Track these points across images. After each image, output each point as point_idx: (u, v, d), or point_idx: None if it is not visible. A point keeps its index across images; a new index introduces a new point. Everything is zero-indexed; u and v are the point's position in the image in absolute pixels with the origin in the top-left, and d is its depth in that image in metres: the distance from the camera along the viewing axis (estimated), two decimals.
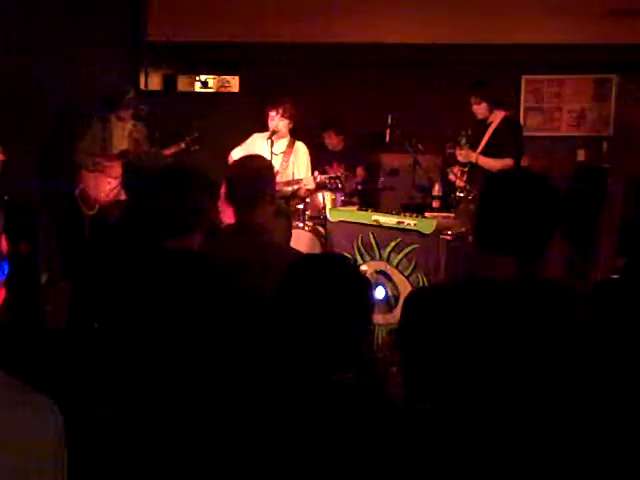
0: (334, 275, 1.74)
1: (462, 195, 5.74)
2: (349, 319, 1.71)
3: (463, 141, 5.74)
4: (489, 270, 1.98)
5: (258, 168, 3.15)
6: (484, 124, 5.78)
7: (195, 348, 2.21)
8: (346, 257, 2.00)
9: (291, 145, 5.63)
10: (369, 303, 1.80)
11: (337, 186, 5.70)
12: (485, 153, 5.69)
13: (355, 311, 1.73)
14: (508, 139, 5.67)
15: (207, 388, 2.12)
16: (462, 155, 5.75)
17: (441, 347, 1.99)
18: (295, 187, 5.59)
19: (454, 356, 1.98)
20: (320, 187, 5.74)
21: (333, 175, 5.61)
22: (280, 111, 5.47)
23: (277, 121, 5.49)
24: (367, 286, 1.81)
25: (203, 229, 2.47)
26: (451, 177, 5.89)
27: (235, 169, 3.16)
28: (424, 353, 2.04)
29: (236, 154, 5.69)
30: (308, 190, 5.65)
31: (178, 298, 2.25)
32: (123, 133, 6.35)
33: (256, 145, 5.65)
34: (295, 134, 5.71)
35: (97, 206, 6.16)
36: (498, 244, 1.96)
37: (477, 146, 5.73)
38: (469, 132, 5.77)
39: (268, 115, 5.54)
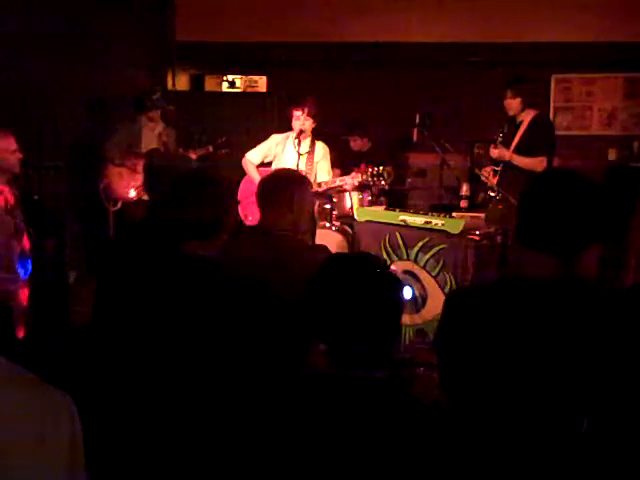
0: (366, 274, 1.72)
1: (491, 195, 5.68)
2: (381, 318, 1.69)
3: (500, 140, 5.67)
4: (532, 269, 1.97)
5: (287, 176, 3.22)
6: (515, 123, 5.72)
7: (200, 351, 2.20)
8: (377, 257, 1.98)
9: (313, 145, 5.64)
10: (400, 302, 1.78)
11: (382, 183, 5.66)
12: (517, 152, 5.62)
13: (387, 310, 1.71)
14: (540, 137, 5.61)
15: (219, 389, 2.12)
16: (495, 153, 5.67)
17: (485, 347, 1.97)
18: (338, 184, 5.60)
19: (498, 356, 1.96)
20: (363, 186, 5.73)
21: (375, 172, 5.56)
22: (306, 110, 5.47)
23: (303, 120, 5.49)
24: (399, 286, 1.79)
25: (224, 234, 2.46)
26: (483, 179, 5.82)
27: (267, 175, 3.24)
28: (466, 353, 2.02)
29: (252, 155, 5.70)
30: (345, 190, 5.66)
31: (185, 304, 2.24)
32: (153, 134, 6.37)
33: (277, 146, 5.66)
34: (315, 134, 5.70)
35: (120, 203, 6.18)
36: (542, 243, 1.95)
37: (509, 145, 5.67)
38: (505, 130, 5.71)
39: (293, 115, 5.52)
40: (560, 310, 1.93)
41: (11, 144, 4.46)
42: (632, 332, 1.90)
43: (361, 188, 6.67)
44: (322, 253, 2.95)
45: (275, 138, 5.72)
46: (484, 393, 1.99)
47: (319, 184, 5.57)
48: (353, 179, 5.56)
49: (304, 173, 5.50)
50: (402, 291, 1.82)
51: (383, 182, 5.60)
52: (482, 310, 2.02)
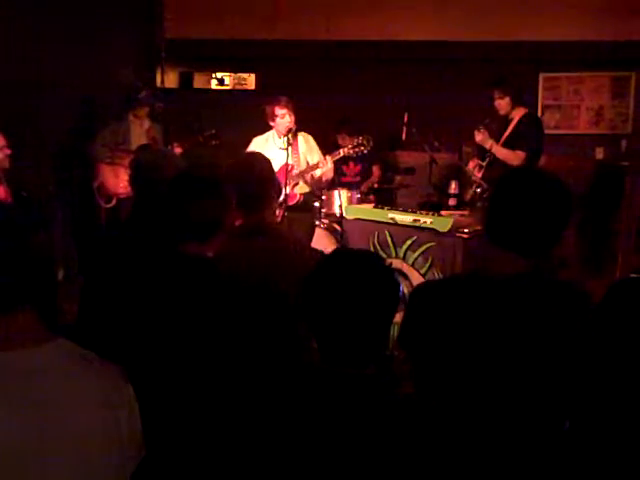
0: (363, 270, 1.72)
1: (478, 192, 5.70)
2: (376, 314, 1.70)
3: (486, 122, 5.69)
4: (498, 266, 1.99)
5: (260, 168, 3.15)
6: (505, 120, 5.76)
7: (198, 352, 2.21)
8: (375, 254, 1.99)
9: (295, 136, 5.58)
10: (397, 298, 1.78)
11: (363, 153, 5.64)
12: (505, 147, 5.66)
13: (382, 306, 1.72)
14: (528, 134, 5.64)
15: (210, 387, 2.12)
16: (479, 137, 5.69)
17: (446, 342, 1.99)
18: (315, 173, 5.56)
19: (459, 352, 1.97)
20: (345, 159, 5.68)
21: (355, 143, 5.54)
22: (290, 106, 5.45)
23: (288, 118, 5.45)
24: (396, 282, 1.80)
25: (223, 234, 2.46)
26: (468, 172, 5.85)
27: (238, 172, 3.12)
28: (429, 349, 2.03)
29: None
30: (326, 174, 5.61)
31: (185, 304, 2.25)
32: (141, 130, 6.37)
33: (261, 148, 5.64)
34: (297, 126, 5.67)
35: (115, 199, 6.18)
36: (507, 241, 1.97)
37: (498, 140, 5.71)
38: (487, 121, 5.73)
39: (276, 114, 5.46)
40: (521, 306, 1.95)
41: (1, 141, 4.48)
42: (604, 330, 1.91)
43: (350, 186, 6.69)
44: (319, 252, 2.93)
45: (256, 141, 5.68)
46: (449, 386, 2.01)
47: (300, 173, 5.54)
48: (332, 158, 5.52)
49: (293, 166, 5.50)
50: (399, 287, 1.81)
51: (364, 149, 5.58)
52: (444, 305, 2.03)
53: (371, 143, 5.57)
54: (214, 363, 2.20)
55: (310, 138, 5.72)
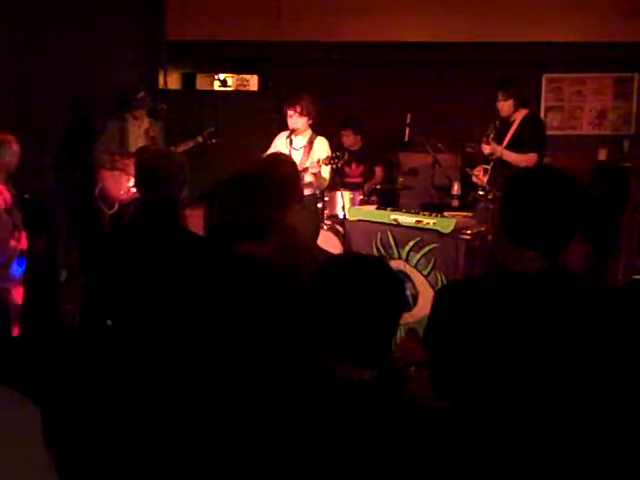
0: (372, 275, 1.72)
1: (481, 194, 5.70)
2: (382, 319, 1.69)
3: (492, 135, 5.68)
4: (519, 264, 2.00)
5: (285, 169, 3.15)
6: (507, 121, 5.75)
7: (212, 350, 2.21)
8: (383, 258, 1.99)
9: (312, 140, 5.62)
10: (403, 303, 1.78)
11: (337, 165, 5.61)
12: (508, 149, 5.66)
13: (389, 311, 1.71)
14: (531, 135, 5.64)
15: (217, 390, 2.12)
16: (488, 149, 5.69)
17: (474, 342, 1.99)
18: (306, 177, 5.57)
19: (487, 351, 1.97)
20: (324, 163, 5.64)
21: (333, 155, 5.53)
22: (298, 109, 5.48)
23: (296, 119, 5.49)
24: (402, 288, 1.79)
25: (276, 233, 2.46)
26: (474, 179, 5.84)
27: (262, 172, 3.13)
28: (456, 348, 2.03)
29: None
30: (314, 174, 5.56)
31: (228, 302, 2.25)
32: (139, 131, 6.36)
33: (278, 143, 5.66)
34: (316, 129, 5.68)
35: (117, 205, 6.17)
36: (527, 239, 1.98)
37: (501, 143, 5.71)
38: (497, 124, 5.73)
39: (287, 114, 5.54)
40: (547, 303, 1.95)
41: (17, 148, 4.57)
42: (620, 325, 1.92)
43: (352, 187, 6.70)
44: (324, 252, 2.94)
45: (280, 135, 5.72)
46: (474, 388, 2.00)
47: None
48: (312, 168, 5.51)
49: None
50: (405, 292, 1.81)
51: (340, 164, 5.57)
52: (471, 305, 2.03)
53: (345, 157, 5.56)
54: (238, 364, 2.20)
55: (324, 143, 5.69)
